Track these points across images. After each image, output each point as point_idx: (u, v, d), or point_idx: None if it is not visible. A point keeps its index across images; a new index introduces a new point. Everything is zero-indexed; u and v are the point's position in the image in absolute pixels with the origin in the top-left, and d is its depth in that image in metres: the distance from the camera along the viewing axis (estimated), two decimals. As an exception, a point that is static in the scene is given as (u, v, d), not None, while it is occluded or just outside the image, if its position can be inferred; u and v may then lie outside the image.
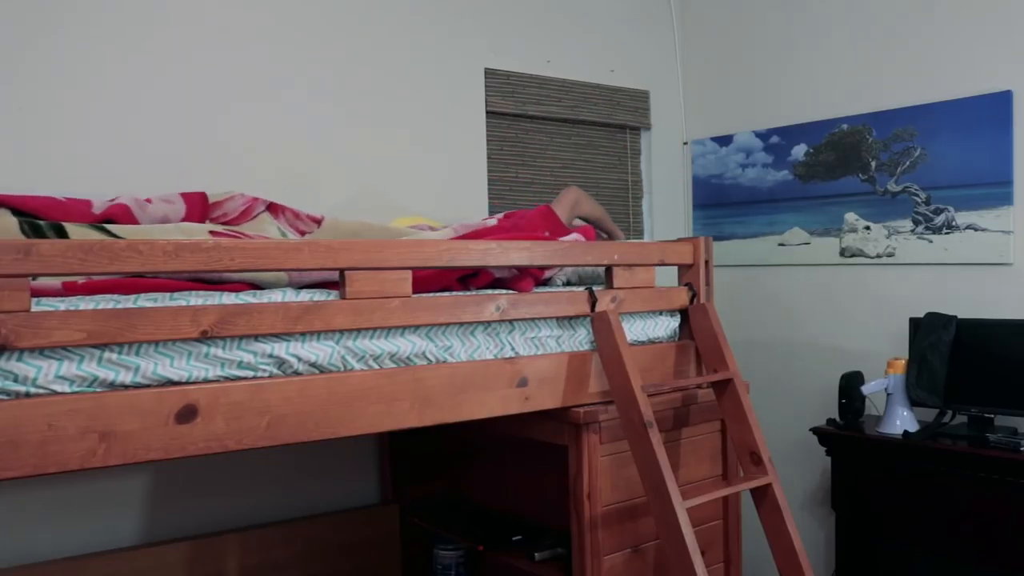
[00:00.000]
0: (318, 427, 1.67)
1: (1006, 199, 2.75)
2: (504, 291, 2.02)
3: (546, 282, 2.26)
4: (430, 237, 2.11)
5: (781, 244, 3.43)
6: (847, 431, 2.79)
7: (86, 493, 2.39)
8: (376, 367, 1.77)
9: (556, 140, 3.45)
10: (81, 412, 1.42)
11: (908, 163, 3.00)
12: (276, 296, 1.68)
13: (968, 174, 2.83)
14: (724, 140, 3.64)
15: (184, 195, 2.14)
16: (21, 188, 2.15)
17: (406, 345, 1.81)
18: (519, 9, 3.30)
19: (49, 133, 2.34)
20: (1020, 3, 2.71)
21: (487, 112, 3.22)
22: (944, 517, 2.53)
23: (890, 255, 3.06)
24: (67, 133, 2.36)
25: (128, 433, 1.46)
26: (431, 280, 1.92)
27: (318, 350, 1.68)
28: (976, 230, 2.82)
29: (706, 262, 2.40)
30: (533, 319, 2.04)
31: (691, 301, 2.38)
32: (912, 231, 2.99)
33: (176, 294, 1.60)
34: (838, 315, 3.23)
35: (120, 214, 1.97)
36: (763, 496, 2.15)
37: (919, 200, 2.97)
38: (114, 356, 1.47)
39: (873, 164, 3.10)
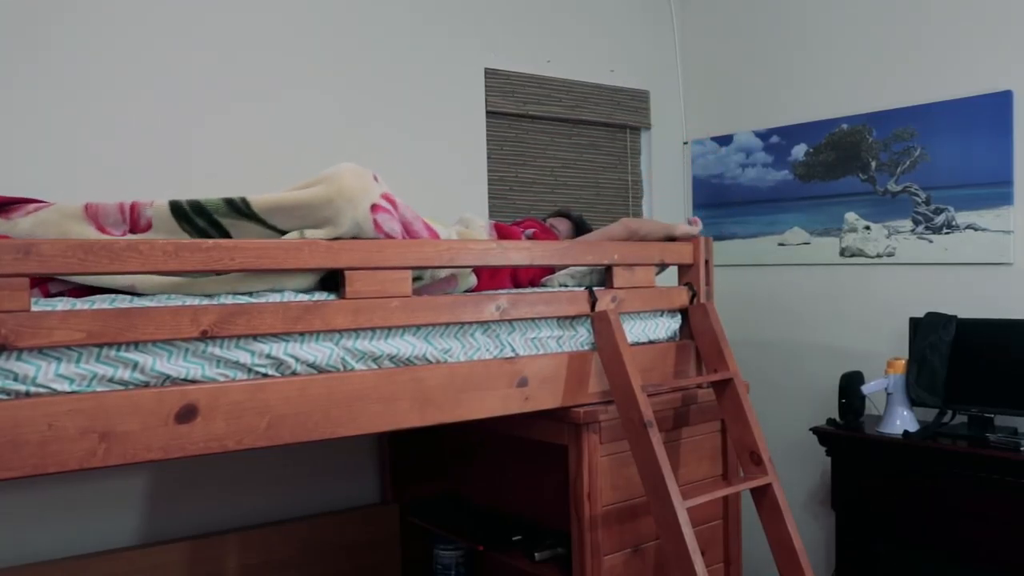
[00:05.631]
0: (318, 427, 1.67)
1: (1006, 199, 2.75)
2: (504, 291, 2.02)
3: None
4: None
5: (781, 244, 3.43)
6: (847, 431, 2.79)
7: (86, 493, 2.39)
8: (376, 368, 1.77)
9: (556, 140, 3.45)
10: (81, 412, 1.42)
11: (908, 163, 3.00)
12: (274, 296, 1.68)
13: (968, 174, 2.83)
14: (724, 140, 3.64)
15: None
16: (20, 189, 2.15)
17: (406, 347, 1.80)
18: (519, 9, 3.30)
19: (41, 134, 2.34)
20: (1020, 3, 2.71)
21: (487, 112, 3.21)
22: (944, 517, 2.53)
23: (890, 255, 3.06)
24: (61, 134, 2.36)
25: (128, 433, 1.46)
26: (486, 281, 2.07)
27: (317, 351, 1.68)
28: (976, 230, 2.82)
29: (706, 262, 2.40)
30: (533, 319, 2.04)
31: (691, 301, 2.38)
32: (912, 231, 2.99)
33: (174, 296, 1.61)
34: (838, 315, 3.23)
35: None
36: (763, 496, 2.15)
37: (919, 200, 2.97)
38: (113, 353, 1.47)
39: (873, 164, 3.10)
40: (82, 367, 1.44)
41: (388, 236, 1.77)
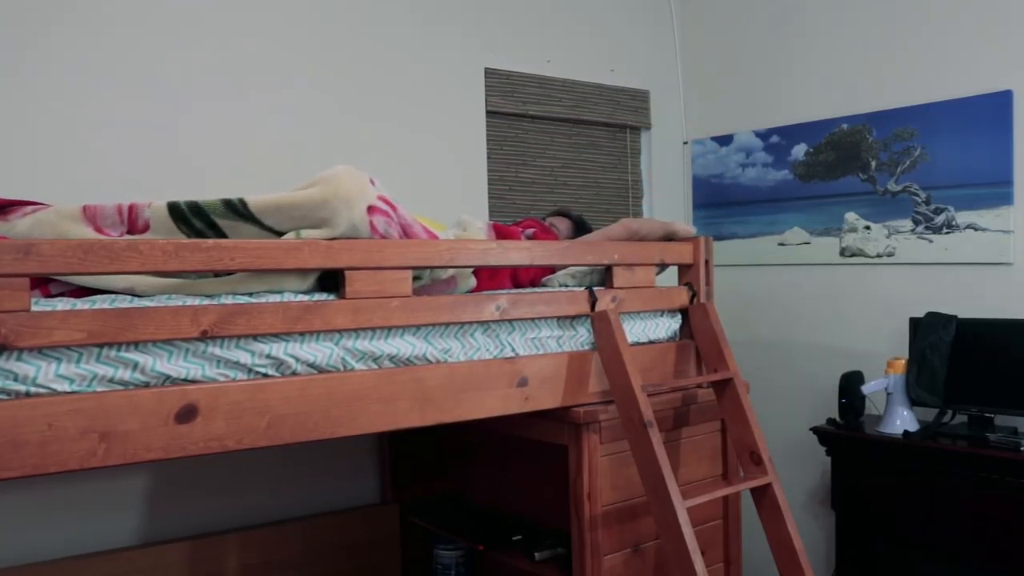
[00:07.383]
0: (318, 427, 1.67)
1: (1006, 199, 2.75)
2: (504, 291, 2.03)
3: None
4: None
5: (781, 244, 3.43)
6: (847, 431, 2.79)
7: (86, 493, 2.39)
8: (376, 368, 1.77)
9: (556, 140, 3.45)
10: (81, 412, 1.42)
11: (908, 163, 3.00)
12: (274, 297, 1.68)
13: (968, 174, 2.83)
14: (724, 140, 3.64)
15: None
16: (17, 190, 2.15)
17: (406, 347, 1.80)
18: (519, 9, 3.30)
19: (39, 134, 2.34)
20: (1020, 3, 2.71)
21: (487, 112, 3.21)
22: (944, 517, 2.53)
23: (890, 255, 3.06)
24: (58, 134, 2.36)
25: (128, 433, 1.46)
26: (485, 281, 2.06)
27: (317, 351, 1.68)
28: (976, 230, 2.82)
29: (706, 262, 2.40)
30: (533, 319, 2.04)
31: (691, 301, 2.38)
32: (912, 231, 2.99)
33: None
34: (838, 315, 3.23)
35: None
36: (763, 496, 2.15)
37: (919, 200, 2.97)
38: (113, 353, 1.47)
39: (873, 164, 3.10)
40: (82, 367, 1.44)
41: (384, 238, 1.77)
